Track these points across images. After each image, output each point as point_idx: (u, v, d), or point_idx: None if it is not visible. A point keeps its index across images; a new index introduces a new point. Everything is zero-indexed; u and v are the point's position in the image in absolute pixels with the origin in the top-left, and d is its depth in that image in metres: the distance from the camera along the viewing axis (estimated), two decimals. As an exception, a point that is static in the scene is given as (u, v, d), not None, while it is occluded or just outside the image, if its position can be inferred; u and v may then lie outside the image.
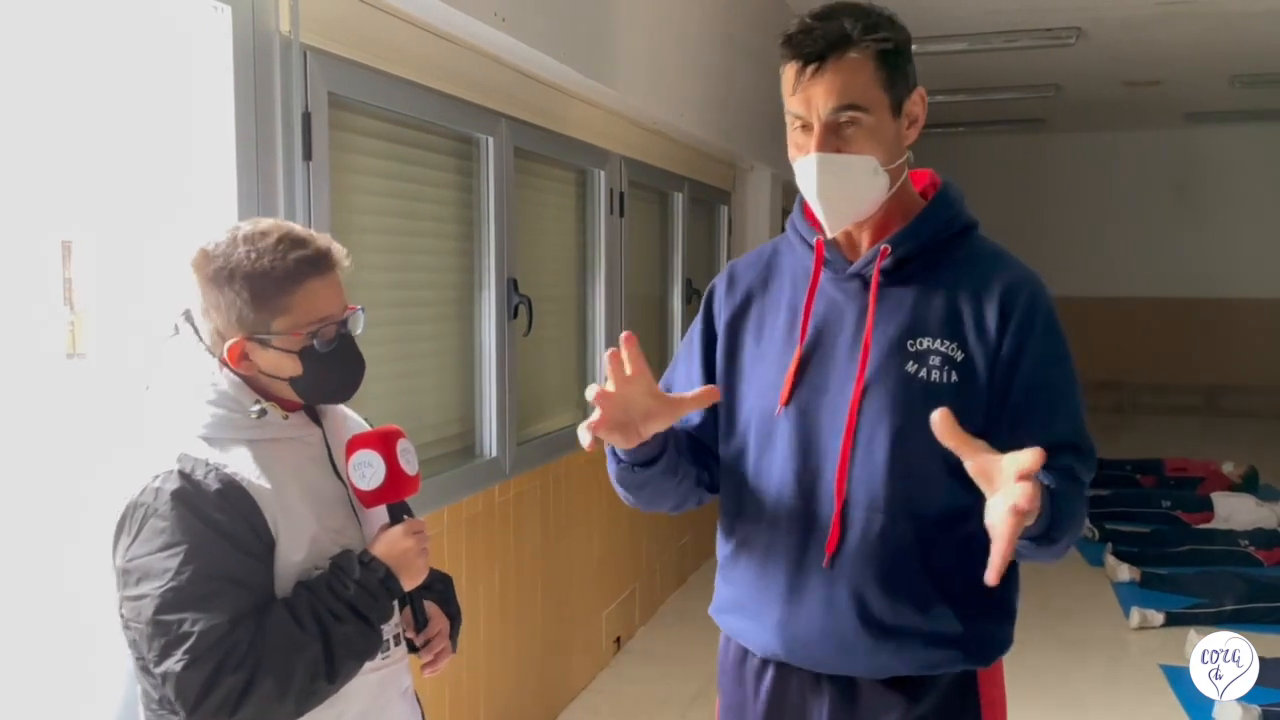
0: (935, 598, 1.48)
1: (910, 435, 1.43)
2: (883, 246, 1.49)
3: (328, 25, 2.26)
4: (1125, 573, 5.20)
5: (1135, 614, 4.57)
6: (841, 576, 1.48)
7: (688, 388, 1.62)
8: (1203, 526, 6.01)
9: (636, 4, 3.73)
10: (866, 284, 1.51)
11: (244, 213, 2.01)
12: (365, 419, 1.64)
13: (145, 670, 1.33)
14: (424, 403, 2.93)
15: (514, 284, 3.18)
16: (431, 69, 2.69)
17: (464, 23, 2.59)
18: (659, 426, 1.44)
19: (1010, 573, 1.50)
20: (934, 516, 1.47)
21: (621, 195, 4.11)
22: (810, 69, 1.42)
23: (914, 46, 1.52)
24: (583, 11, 3.25)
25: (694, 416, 1.63)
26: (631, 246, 4.27)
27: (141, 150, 1.93)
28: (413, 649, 1.56)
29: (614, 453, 1.53)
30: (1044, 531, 1.35)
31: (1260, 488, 6.75)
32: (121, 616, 1.33)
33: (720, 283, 1.68)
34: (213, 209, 1.99)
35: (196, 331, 1.40)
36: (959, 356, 1.46)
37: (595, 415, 1.38)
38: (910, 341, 1.47)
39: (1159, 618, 4.55)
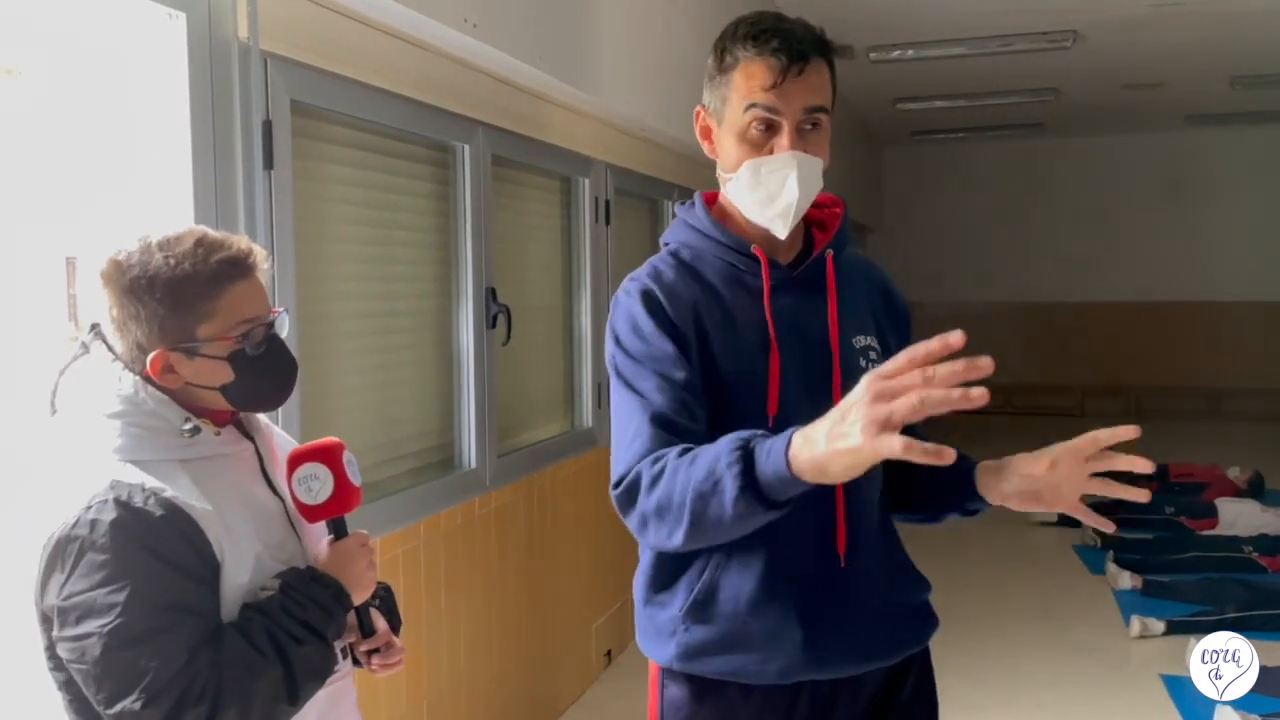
0: (908, 575, 1.62)
1: None
2: (828, 252, 1.57)
3: (289, 31, 2.23)
4: (1126, 580, 5.13)
5: (1135, 622, 4.50)
6: (855, 576, 1.52)
7: (697, 385, 1.47)
8: (1207, 533, 5.94)
9: (617, 7, 3.69)
10: (807, 286, 1.56)
11: (200, 223, 1.97)
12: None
13: (81, 713, 1.27)
14: (401, 414, 2.89)
15: (492, 293, 3.14)
16: (402, 75, 2.65)
17: (432, 28, 2.55)
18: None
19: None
20: (879, 498, 1.59)
21: (607, 203, 4.07)
22: (794, 68, 1.45)
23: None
24: (559, 16, 3.21)
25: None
26: (619, 254, 4.23)
27: (106, 165, 1.90)
28: (356, 661, 1.52)
29: (763, 499, 1.24)
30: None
31: (1266, 493, 6.68)
32: (52, 658, 1.27)
33: (661, 298, 1.51)
34: (169, 220, 1.95)
35: (110, 349, 1.34)
36: (880, 349, 1.58)
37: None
38: (854, 339, 1.57)
39: (1160, 626, 4.48)
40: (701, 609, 1.50)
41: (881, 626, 1.53)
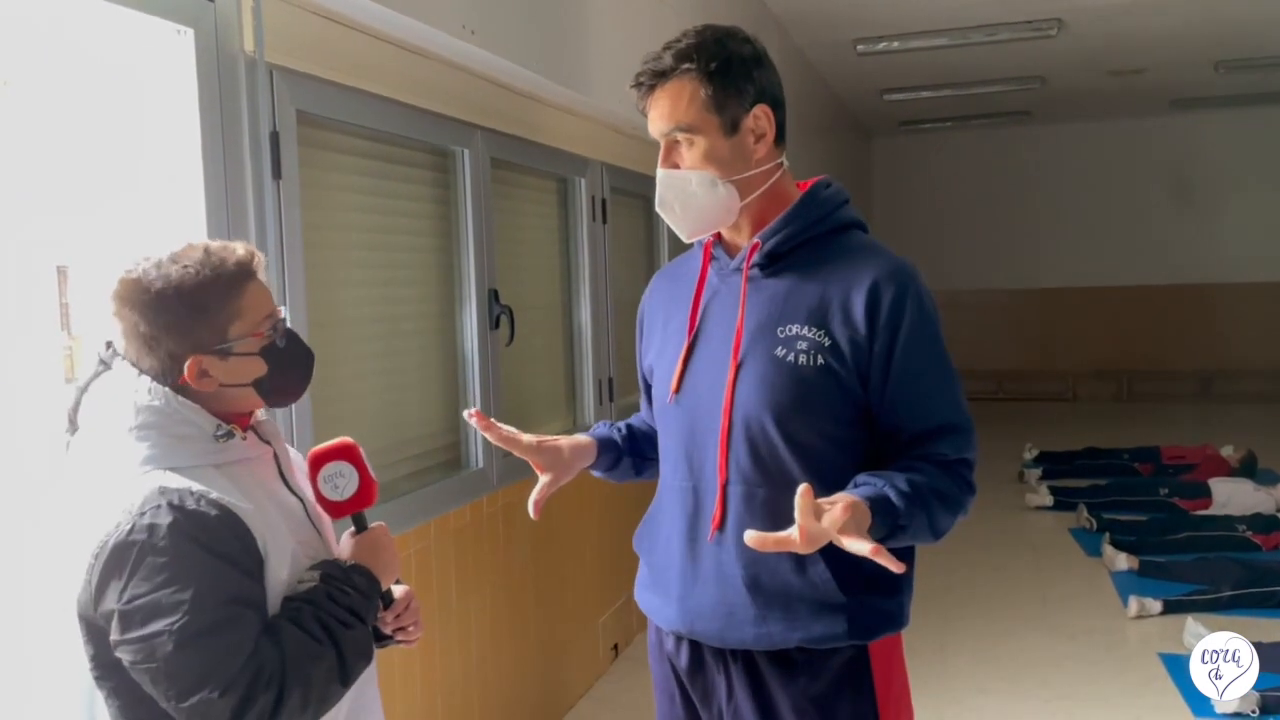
0: (818, 566, 1.56)
1: (780, 413, 1.55)
2: (754, 242, 1.62)
3: (294, 44, 2.26)
4: (1123, 562, 5.20)
5: (1133, 603, 4.57)
6: (729, 549, 1.60)
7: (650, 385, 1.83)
8: (1201, 513, 6.01)
9: (608, 9, 3.73)
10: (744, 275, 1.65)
11: (213, 234, 2.01)
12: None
13: (123, 713, 1.31)
14: (409, 416, 2.93)
15: (495, 295, 3.19)
16: (403, 83, 2.69)
17: (432, 36, 2.59)
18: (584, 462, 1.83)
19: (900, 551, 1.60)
20: (818, 489, 1.50)
21: (604, 202, 4.11)
22: (644, 99, 1.62)
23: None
24: (554, 20, 3.25)
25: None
26: (616, 252, 4.27)
27: (112, 177, 1.93)
28: (380, 639, 1.58)
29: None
30: (887, 534, 1.46)
31: (1259, 472, 6.75)
32: (99, 667, 1.30)
33: (647, 289, 1.90)
34: (182, 231, 1.99)
35: (134, 364, 1.36)
36: (826, 343, 1.56)
37: (541, 485, 1.72)
38: (780, 328, 1.58)
39: (1157, 606, 4.55)
40: (640, 540, 1.78)
41: (754, 607, 1.58)
